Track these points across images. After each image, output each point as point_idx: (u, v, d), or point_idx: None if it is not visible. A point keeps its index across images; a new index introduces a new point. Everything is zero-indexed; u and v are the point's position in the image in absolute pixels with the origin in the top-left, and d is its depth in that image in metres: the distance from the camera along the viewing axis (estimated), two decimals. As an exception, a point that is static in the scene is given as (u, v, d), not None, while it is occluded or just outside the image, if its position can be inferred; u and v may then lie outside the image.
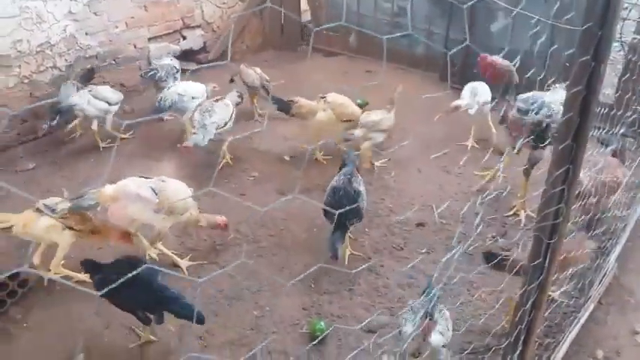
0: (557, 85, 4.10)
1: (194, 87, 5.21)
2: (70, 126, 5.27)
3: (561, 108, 3.89)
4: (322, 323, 3.21)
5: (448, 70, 6.26)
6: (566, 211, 2.32)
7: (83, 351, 3.11)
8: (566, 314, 3.25)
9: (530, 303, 2.43)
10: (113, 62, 5.98)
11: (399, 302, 3.41)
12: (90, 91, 5.02)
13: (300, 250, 3.88)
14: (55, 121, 4.93)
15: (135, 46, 6.17)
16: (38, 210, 3.46)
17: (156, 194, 3.44)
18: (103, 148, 5.17)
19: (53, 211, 3.42)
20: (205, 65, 6.20)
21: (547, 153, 3.97)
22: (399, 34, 6.33)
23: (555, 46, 4.42)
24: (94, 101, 4.98)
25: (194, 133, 4.48)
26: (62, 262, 3.57)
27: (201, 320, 2.91)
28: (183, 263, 3.75)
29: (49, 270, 3.49)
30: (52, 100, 5.08)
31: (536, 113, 3.77)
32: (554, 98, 3.92)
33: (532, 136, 3.82)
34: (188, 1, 6.61)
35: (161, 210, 3.46)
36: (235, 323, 3.31)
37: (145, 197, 3.42)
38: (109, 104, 5.05)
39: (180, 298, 2.97)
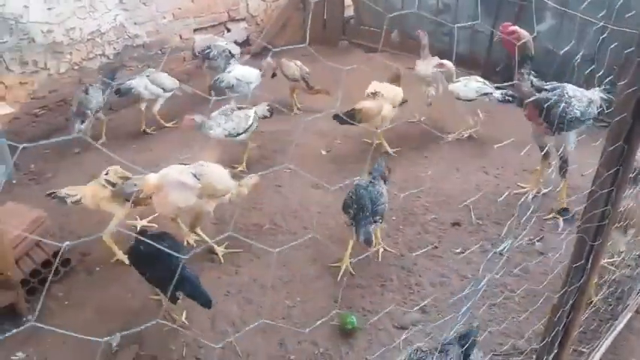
0: (595, 88, 4.01)
1: (250, 72, 5.40)
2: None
3: (584, 98, 3.80)
4: (353, 317, 3.22)
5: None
6: (613, 213, 2.26)
7: (120, 330, 3.21)
8: (602, 321, 3.16)
9: (569, 305, 2.38)
10: (159, 52, 6.13)
11: (432, 301, 3.39)
12: (148, 76, 5.28)
13: (334, 243, 3.90)
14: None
15: (181, 37, 6.31)
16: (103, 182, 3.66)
17: (198, 179, 3.51)
18: (147, 132, 5.36)
19: (113, 185, 3.59)
20: (248, 57, 6.31)
21: (571, 140, 3.90)
22: (463, 24, 6.23)
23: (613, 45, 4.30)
24: (151, 86, 5.23)
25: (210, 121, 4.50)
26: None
27: (207, 304, 2.97)
28: (220, 250, 3.83)
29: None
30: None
31: (546, 90, 3.75)
32: (583, 90, 3.83)
33: (540, 118, 3.75)
34: (234, -7, 6.72)
35: (204, 194, 3.53)
36: (268, 311, 3.35)
37: (187, 183, 3.48)
38: (164, 90, 5.29)
39: (194, 281, 3.01)
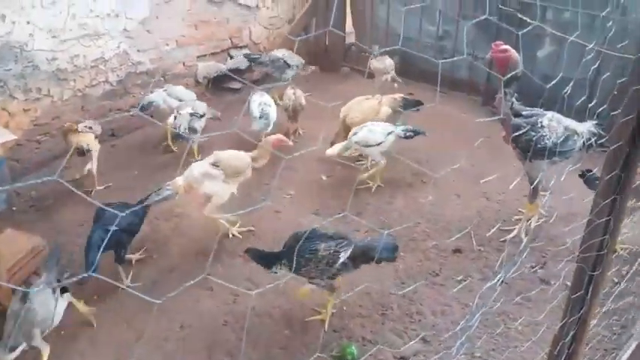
0: (589, 121, 4.01)
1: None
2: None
3: (560, 129, 3.81)
4: (353, 347, 3.17)
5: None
6: (611, 242, 2.23)
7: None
8: (607, 351, 3.10)
9: (570, 336, 2.33)
10: (162, 79, 6.19)
11: (433, 330, 3.34)
12: (165, 90, 5.53)
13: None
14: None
15: (184, 64, 6.38)
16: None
17: (217, 166, 3.92)
18: (175, 149, 5.51)
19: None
20: (270, 86, 6.41)
21: (541, 169, 3.91)
22: (457, 58, 6.31)
23: (605, 74, 4.32)
24: (168, 99, 5.45)
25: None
26: None
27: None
28: (234, 230, 4.20)
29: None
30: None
31: (522, 115, 3.80)
32: (566, 120, 3.87)
33: (513, 142, 3.82)
34: (237, 21, 6.81)
35: (227, 176, 3.93)
36: (265, 341, 3.30)
37: (210, 173, 3.88)
38: (181, 102, 5.45)
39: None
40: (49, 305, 3.01)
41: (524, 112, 3.82)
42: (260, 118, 5.13)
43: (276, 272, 3.27)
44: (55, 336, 3.35)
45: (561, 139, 3.79)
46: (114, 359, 3.19)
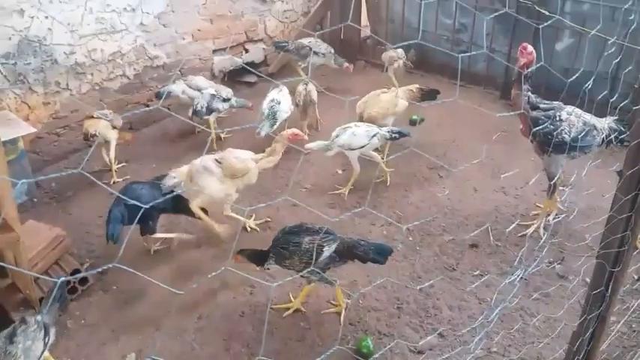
0: (610, 116, 3.95)
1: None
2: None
3: (579, 123, 3.77)
4: (369, 340, 3.18)
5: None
6: (632, 239, 2.22)
7: (135, 350, 3.23)
8: (626, 348, 3.07)
9: (589, 333, 2.32)
10: (179, 73, 6.23)
11: (449, 324, 3.33)
12: (185, 80, 5.60)
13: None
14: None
15: (200, 58, 6.41)
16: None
17: (219, 163, 3.85)
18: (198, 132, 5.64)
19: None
20: (264, 76, 6.39)
21: (559, 164, 3.88)
22: (474, 53, 6.27)
23: (627, 67, 4.25)
24: (188, 90, 5.52)
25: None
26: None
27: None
28: (252, 223, 4.25)
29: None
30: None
31: (541, 109, 3.78)
32: (586, 115, 3.80)
33: (532, 136, 3.81)
34: (252, 15, 6.81)
35: (226, 175, 3.86)
36: (282, 333, 3.33)
37: (209, 167, 3.83)
38: (201, 92, 5.47)
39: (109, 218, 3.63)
40: (35, 351, 2.66)
41: (541, 105, 3.78)
42: (267, 117, 5.00)
43: (268, 268, 3.38)
44: (77, 324, 3.43)
45: (581, 134, 3.75)
46: (134, 349, 3.24)
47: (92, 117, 4.88)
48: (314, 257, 3.12)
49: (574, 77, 2.28)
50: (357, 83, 6.64)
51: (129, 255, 3.95)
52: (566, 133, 3.70)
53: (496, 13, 5.68)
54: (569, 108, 3.80)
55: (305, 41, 6.39)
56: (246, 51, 6.93)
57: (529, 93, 3.75)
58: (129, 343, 3.28)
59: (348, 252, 3.26)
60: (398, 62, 6.36)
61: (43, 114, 5.15)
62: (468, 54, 6.46)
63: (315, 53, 6.29)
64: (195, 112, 5.32)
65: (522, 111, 3.70)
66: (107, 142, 4.90)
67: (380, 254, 3.23)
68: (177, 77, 5.76)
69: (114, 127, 4.95)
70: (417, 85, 5.33)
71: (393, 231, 4.22)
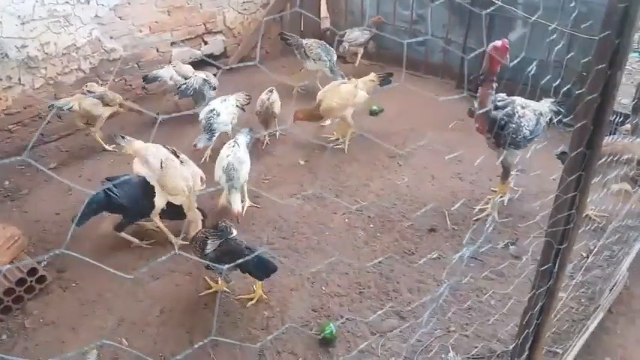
0: (547, 98, 4.15)
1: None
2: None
3: (531, 115, 3.92)
4: (331, 325, 3.24)
5: (465, 75, 6.26)
6: (577, 217, 2.33)
7: (96, 347, 3.19)
8: (576, 322, 3.23)
9: (538, 307, 2.44)
10: (136, 65, 6.13)
11: (409, 306, 3.43)
12: (174, 66, 5.84)
13: (311, 253, 3.93)
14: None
15: (157, 50, 6.32)
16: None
17: (160, 167, 3.78)
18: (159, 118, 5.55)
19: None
20: (241, 65, 6.47)
21: (517, 154, 4.03)
22: (418, 39, 6.40)
23: (571, 54, 4.44)
24: (176, 76, 5.73)
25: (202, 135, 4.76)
26: None
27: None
28: (176, 240, 3.96)
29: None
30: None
31: (498, 107, 3.83)
32: (532, 104, 3.96)
33: (488, 134, 3.89)
34: (210, 6, 6.75)
35: (159, 182, 3.80)
36: (246, 323, 3.35)
37: (151, 165, 3.80)
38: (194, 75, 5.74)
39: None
40: None
41: (499, 103, 3.86)
42: (204, 129, 4.71)
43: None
44: (35, 324, 3.36)
45: (536, 125, 3.90)
46: (96, 345, 3.21)
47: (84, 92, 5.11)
48: (200, 248, 3.28)
49: (515, 62, 2.38)
50: (319, 74, 6.67)
51: (90, 247, 3.89)
52: (526, 129, 3.83)
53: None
54: (518, 100, 3.92)
55: (305, 41, 6.25)
56: (205, 43, 6.87)
57: (492, 91, 3.81)
58: (90, 341, 3.23)
59: (230, 256, 3.18)
60: (358, 53, 6.54)
61: (-6, 110, 5.00)
62: (414, 40, 6.60)
63: (307, 56, 6.17)
64: (179, 92, 5.55)
65: (481, 111, 3.79)
66: (95, 118, 5.07)
67: (260, 270, 3.22)
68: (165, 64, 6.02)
69: (106, 104, 5.08)
70: (374, 73, 5.39)
71: (354, 219, 4.29)
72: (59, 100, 5.11)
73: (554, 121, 4.10)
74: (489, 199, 4.36)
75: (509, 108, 3.83)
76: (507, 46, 3.61)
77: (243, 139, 4.34)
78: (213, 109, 4.77)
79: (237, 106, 5.07)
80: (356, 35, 6.73)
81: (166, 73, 5.76)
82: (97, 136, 5.22)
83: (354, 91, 5.12)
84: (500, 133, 3.82)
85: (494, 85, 3.71)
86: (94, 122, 5.10)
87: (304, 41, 6.23)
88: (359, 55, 6.86)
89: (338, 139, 5.36)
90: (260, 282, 3.48)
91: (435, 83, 6.63)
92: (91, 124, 5.12)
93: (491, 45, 3.65)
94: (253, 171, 4.92)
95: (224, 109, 4.85)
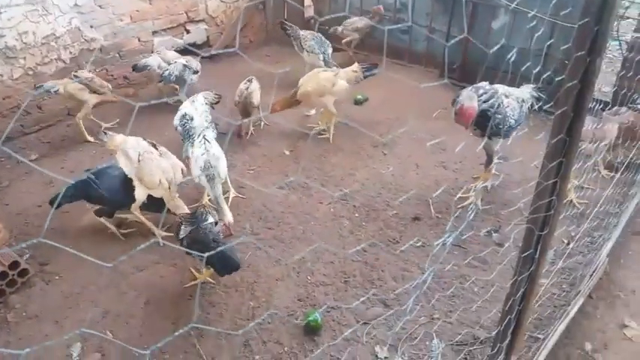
0: (527, 84, 4.19)
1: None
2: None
3: (515, 103, 3.95)
4: (317, 314, 3.26)
5: (445, 63, 6.28)
6: (558, 204, 2.36)
7: (80, 340, 3.17)
8: (557, 307, 3.29)
9: (520, 293, 2.47)
10: (117, 55, 6.04)
11: (393, 294, 3.46)
12: (159, 53, 5.94)
13: (297, 243, 3.93)
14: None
15: (139, 40, 6.23)
16: None
17: (138, 160, 3.76)
18: (169, 103, 5.61)
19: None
20: (221, 51, 6.44)
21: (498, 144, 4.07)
22: (399, 25, 6.42)
23: (551, 41, 4.47)
24: (163, 64, 5.75)
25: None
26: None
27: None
28: (159, 232, 3.94)
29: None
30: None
31: (485, 102, 3.84)
32: (513, 92, 3.99)
33: (474, 125, 3.89)
34: (192, -5, 6.67)
35: (137, 175, 3.78)
36: (232, 313, 3.36)
37: (131, 158, 3.79)
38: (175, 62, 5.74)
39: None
40: None
41: (482, 97, 3.84)
42: (184, 137, 4.32)
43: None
44: (18, 317, 3.33)
45: (520, 113, 3.94)
46: (79, 339, 3.19)
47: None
48: (176, 233, 3.39)
49: (495, 49, 2.39)
50: (298, 62, 6.60)
51: (72, 239, 3.86)
52: (511, 119, 3.86)
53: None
54: (500, 89, 3.94)
55: (302, 32, 6.21)
56: (188, 32, 6.79)
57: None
58: (73, 334, 3.22)
59: (199, 245, 3.19)
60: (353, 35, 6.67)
61: (-29, 101, 4.91)
62: (392, 27, 6.61)
63: (302, 48, 6.15)
64: (162, 78, 5.55)
65: (460, 103, 3.81)
66: (81, 104, 5.08)
67: (222, 266, 3.21)
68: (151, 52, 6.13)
69: (93, 92, 5.06)
70: (357, 64, 5.38)
71: (339, 208, 4.30)
72: (47, 82, 5.03)
73: (535, 107, 4.14)
74: (472, 186, 4.40)
75: (493, 99, 3.84)
76: (473, 112, 3.68)
77: (210, 134, 4.15)
78: (185, 114, 4.43)
79: (206, 104, 4.78)
80: (352, 20, 6.77)
81: (154, 61, 5.77)
82: (80, 123, 5.16)
83: (332, 79, 5.06)
84: (486, 125, 3.83)
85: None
86: (80, 108, 5.07)
87: (301, 32, 6.19)
88: (353, 43, 6.87)
89: (323, 129, 5.35)
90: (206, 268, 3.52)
91: (418, 72, 6.64)
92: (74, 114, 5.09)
93: (459, 104, 3.74)
94: (238, 161, 4.92)
95: (194, 111, 4.50)
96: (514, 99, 3.95)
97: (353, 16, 6.87)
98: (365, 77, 5.24)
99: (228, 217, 3.70)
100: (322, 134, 5.31)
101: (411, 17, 6.69)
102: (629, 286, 3.48)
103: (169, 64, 5.69)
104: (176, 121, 4.47)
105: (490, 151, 4.12)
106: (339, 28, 6.82)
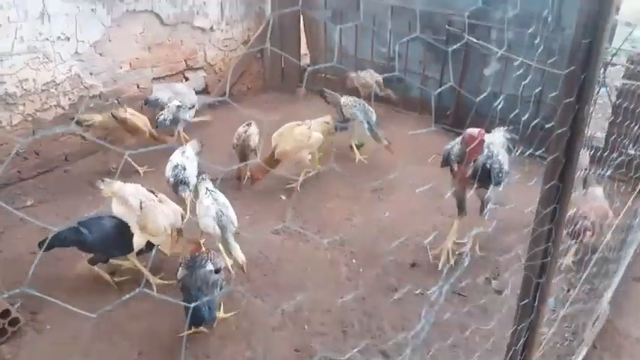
0: (499, 127, 4.28)
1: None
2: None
3: (500, 149, 3.98)
4: (315, 366, 3.19)
5: (433, 109, 6.38)
6: (554, 250, 2.35)
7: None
8: (560, 357, 3.23)
9: (521, 343, 2.43)
10: (116, 101, 6.12)
11: (393, 344, 3.39)
12: (167, 87, 6.15)
13: (294, 290, 3.88)
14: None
15: (138, 86, 6.33)
16: None
17: (140, 207, 3.73)
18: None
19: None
20: (219, 99, 6.55)
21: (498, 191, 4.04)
22: (391, 74, 6.54)
23: (540, 89, 4.58)
24: (173, 97, 5.89)
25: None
26: None
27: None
28: (154, 280, 3.89)
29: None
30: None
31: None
32: (493, 139, 4.02)
33: (475, 180, 3.80)
34: (191, 43, 6.81)
35: (139, 223, 3.72)
36: (226, 364, 3.28)
37: (131, 204, 3.75)
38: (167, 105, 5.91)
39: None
40: None
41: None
42: (177, 186, 4.49)
43: None
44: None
45: (509, 157, 3.96)
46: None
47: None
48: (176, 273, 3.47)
49: (481, 97, 2.43)
50: (295, 110, 6.69)
51: (66, 287, 3.79)
52: (505, 165, 3.88)
53: (409, 37, 5.93)
54: (486, 139, 3.87)
55: (343, 99, 5.84)
56: (186, 79, 6.91)
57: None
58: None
59: (184, 292, 3.35)
60: (370, 84, 6.53)
61: (-30, 147, 4.92)
62: (389, 75, 6.72)
63: (343, 115, 5.80)
64: (158, 124, 5.58)
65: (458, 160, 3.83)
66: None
67: (191, 317, 3.20)
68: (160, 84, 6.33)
69: (127, 131, 5.29)
70: (330, 116, 5.43)
71: (337, 254, 4.27)
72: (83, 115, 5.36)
73: (514, 151, 4.15)
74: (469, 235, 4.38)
75: (486, 151, 3.79)
76: (474, 135, 3.60)
77: (210, 184, 4.16)
78: (177, 165, 4.55)
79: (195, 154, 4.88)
80: (363, 75, 6.66)
81: (164, 94, 5.94)
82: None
83: (307, 133, 5.05)
84: (487, 178, 3.79)
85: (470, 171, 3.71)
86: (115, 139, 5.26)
87: (342, 100, 5.82)
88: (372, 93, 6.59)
89: (316, 171, 5.36)
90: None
91: (414, 118, 6.74)
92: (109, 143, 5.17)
93: (467, 132, 3.64)
94: (233, 206, 4.89)
95: (186, 160, 4.64)
96: (498, 145, 3.97)
97: (360, 71, 6.76)
98: (336, 131, 5.34)
99: (241, 256, 3.71)
100: (290, 184, 5.28)
101: (404, 66, 6.85)
102: (634, 334, 3.43)
103: (181, 96, 5.90)
104: (168, 172, 4.52)
105: (488, 199, 4.09)
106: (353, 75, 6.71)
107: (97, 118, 5.26)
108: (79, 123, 5.28)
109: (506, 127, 4.22)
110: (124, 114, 5.29)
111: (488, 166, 3.76)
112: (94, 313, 1.32)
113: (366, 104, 5.76)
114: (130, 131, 5.29)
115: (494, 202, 4.04)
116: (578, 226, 3.78)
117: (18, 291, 1.33)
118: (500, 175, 3.82)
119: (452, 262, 4.06)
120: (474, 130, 3.63)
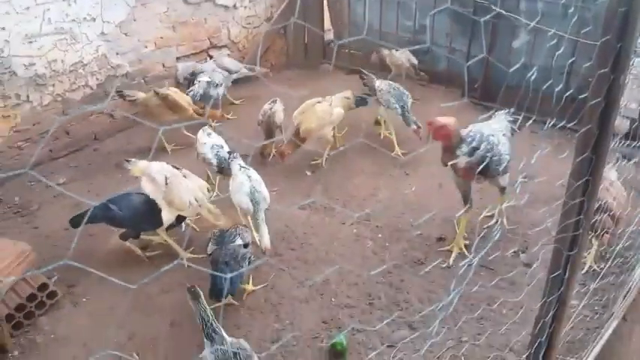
0: (498, 112, 4.17)
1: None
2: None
3: (502, 138, 3.84)
4: (342, 337, 3.23)
5: (465, 81, 6.26)
6: (586, 222, 2.31)
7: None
8: (590, 330, 3.20)
9: (550, 315, 2.42)
10: (142, 81, 6.18)
11: (419, 316, 3.41)
12: (214, 61, 6.36)
13: (321, 264, 3.92)
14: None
15: (163, 65, 6.37)
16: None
17: (166, 183, 3.80)
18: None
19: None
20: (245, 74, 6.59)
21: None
22: (418, 46, 6.41)
23: (572, 59, 4.42)
24: (218, 70, 6.11)
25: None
26: None
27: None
28: (185, 254, 3.98)
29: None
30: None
31: (476, 149, 3.65)
32: (495, 127, 3.90)
33: (479, 174, 3.72)
34: (215, 21, 6.81)
35: (165, 198, 3.80)
36: (257, 335, 3.35)
37: (157, 181, 3.83)
38: (230, 72, 6.29)
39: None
40: None
41: (473, 144, 3.69)
42: (219, 168, 4.48)
43: None
44: (47, 340, 3.37)
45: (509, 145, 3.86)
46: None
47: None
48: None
49: (514, 68, 2.38)
50: (324, 87, 6.67)
51: (100, 261, 3.90)
52: (505, 155, 3.78)
53: (437, 10, 5.79)
54: (484, 129, 3.79)
55: (377, 83, 5.54)
56: (211, 57, 6.92)
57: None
58: (101, 356, 3.24)
59: (213, 265, 3.45)
60: (405, 67, 6.41)
61: (3, 127, 5.05)
62: (412, 48, 6.60)
63: (378, 102, 5.53)
64: (201, 96, 5.73)
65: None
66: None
67: (210, 289, 3.28)
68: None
69: (169, 108, 5.40)
70: (349, 91, 5.40)
71: (362, 229, 4.28)
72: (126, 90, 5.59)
73: (516, 129, 4.07)
74: (495, 206, 4.34)
75: (484, 143, 3.68)
76: (437, 124, 3.60)
77: (242, 161, 4.17)
78: (213, 145, 4.55)
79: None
80: (398, 55, 6.47)
81: (208, 67, 6.10)
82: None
83: (329, 110, 5.04)
84: (486, 170, 3.71)
85: (459, 152, 3.65)
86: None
87: (377, 83, 5.52)
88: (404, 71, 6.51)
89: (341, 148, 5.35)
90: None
91: (441, 92, 6.63)
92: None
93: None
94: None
95: (218, 139, 4.67)
96: (499, 134, 3.87)
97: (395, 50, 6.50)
98: (357, 106, 5.33)
99: (266, 241, 3.69)
100: (316, 161, 5.30)
101: (431, 38, 6.72)
102: (665, 307, 3.38)
103: (228, 70, 6.17)
104: (208, 153, 4.50)
105: (500, 186, 4.02)
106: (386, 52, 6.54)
107: (141, 94, 5.50)
108: (122, 97, 5.47)
109: (507, 110, 4.11)
110: (166, 90, 5.41)
111: (487, 159, 3.68)
112: (131, 285, 1.35)
113: (401, 87, 5.49)
114: (172, 108, 5.39)
115: (508, 184, 3.96)
116: (599, 221, 3.58)
117: (61, 263, 1.37)
118: (498, 167, 3.74)
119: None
120: (435, 119, 3.65)
